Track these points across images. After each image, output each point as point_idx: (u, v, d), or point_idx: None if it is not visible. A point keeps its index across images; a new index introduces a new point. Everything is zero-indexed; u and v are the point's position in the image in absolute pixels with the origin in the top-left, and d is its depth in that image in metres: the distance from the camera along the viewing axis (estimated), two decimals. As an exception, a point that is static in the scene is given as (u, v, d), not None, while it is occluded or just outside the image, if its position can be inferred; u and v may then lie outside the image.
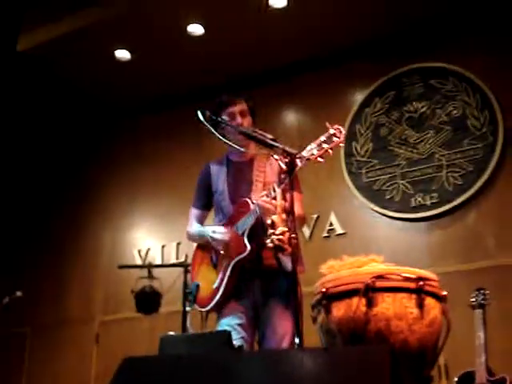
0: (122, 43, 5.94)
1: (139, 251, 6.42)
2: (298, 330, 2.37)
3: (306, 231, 5.62)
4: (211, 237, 3.15)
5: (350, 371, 1.84)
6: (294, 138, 5.81)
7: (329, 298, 2.48)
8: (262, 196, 2.97)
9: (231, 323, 3.00)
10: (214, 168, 3.34)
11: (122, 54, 6.05)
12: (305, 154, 2.73)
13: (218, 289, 3.07)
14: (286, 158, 2.64)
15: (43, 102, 6.72)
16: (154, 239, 6.41)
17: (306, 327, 2.47)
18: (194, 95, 6.31)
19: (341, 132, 2.71)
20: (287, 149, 2.66)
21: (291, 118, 6.20)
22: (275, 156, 2.69)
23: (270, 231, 2.68)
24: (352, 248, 4.88)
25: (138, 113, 6.91)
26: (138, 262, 6.27)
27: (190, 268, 3.42)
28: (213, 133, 3.04)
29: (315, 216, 5.64)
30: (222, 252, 3.11)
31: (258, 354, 2.33)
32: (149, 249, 6.37)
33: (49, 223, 7.02)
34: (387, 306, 2.37)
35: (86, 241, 6.75)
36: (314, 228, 5.64)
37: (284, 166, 2.62)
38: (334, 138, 2.69)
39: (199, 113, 2.97)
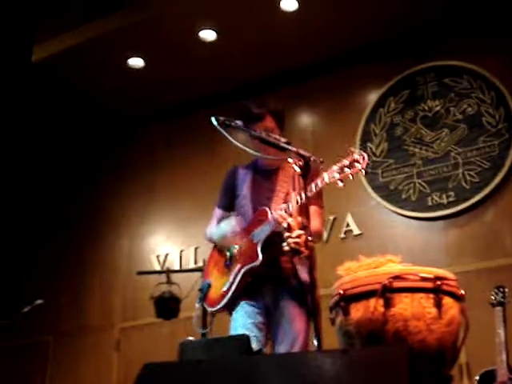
0: (134, 51, 5.98)
1: (157, 257, 6.45)
2: (316, 333, 2.38)
3: (324, 233, 5.62)
4: (225, 232, 3.21)
5: (368, 372, 1.84)
6: (308, 141, 5.83)
7: (347, 300, 2.48)
8: (281, 209, 2.98)
9: (245, 322, 3.02)
10: (240, 171, 3.35)
11: (135, 62, 6.09)
12: (326, 175, 2.74)
13: (226, 292, 3.10)
14: (300, 161, 2.65)
15: (57, 112, 6.79)
16: (171, 244, 6.44)
17: (325, 329, 2.49)
18: (206, 101, 6.34)
19: (364, 159, 2.70)
20: (301, 152, 2.67)
21: (305, 121, 6.20)
22: (289, 159, 2.70)
23: (286, 234, 2.69)
24: (369, 249, 4.87)
25: (151, 120, 6.95)
26: (157, 267, 6.30)
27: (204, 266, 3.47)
28: (227, 138, 3.05)
29: (332, 218, 5.64)
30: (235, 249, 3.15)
31: (277, 357, 2.34)
32: (167, 254, 6.40)
33: (67, 232, 7.08)
34: (405, 306, 2.36)
35: (105, 248, 6.79)
36: (332, 229, 5.64)
37: (298, 170, 2.63)
38: (356, 164, 2.69)
39: (213, 118, 2.99)
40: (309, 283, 2.91)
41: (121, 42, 5.82)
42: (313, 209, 3.07)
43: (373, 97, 5.84)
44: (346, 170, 2.71)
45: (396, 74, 5.75)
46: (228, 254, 3.19)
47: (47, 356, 6.62)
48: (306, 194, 2.71)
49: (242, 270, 3.06)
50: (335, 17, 5.56)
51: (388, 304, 2.37)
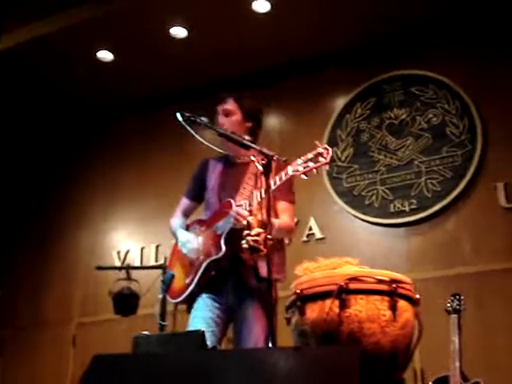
0: (104, 44, 5.93)
1: (118, 253, 6.40)
2: (271, 331, 2.38)
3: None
4: (180, 248, 3.20)
5: (320, 371, 1.85)
6: (275, 142, 5.83)
7: (303, 300, 2.48)
8: (240, 206, 2.99)
9: (204, 316, 3.03)
10: (211, 163, 3.37)
11: (105, 55, 6.04)
12: (290, 168, 2.75)
13: (189, 284, 3.10)
14: (263, 159, 2.66)
15: (24, 102, 6.68)
16: (133, 241, 6.40)
17: (281, 329, 2.49)
18: (176, 97, 6.32)
19: (328, 153, 2.71)
20: (264, 150, 2.68)
21: (273, 122, 6.22)
22: (252, 157, 2.71)
23: (246, 232, 2.69)
24: (331, 253, 4.82)
25: (119, 114, 6.90)
26: (117, 263, 6.25)
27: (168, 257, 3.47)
28: (192, 134, 3.04)
29: (295, 220, 5.63)
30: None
31: (231, 353, 2.33)
32: (128, 251, 6.36)
33: (27, 224, 6.99)
34: (360, 308, 2.38)
35: (65, 242, 6.72)
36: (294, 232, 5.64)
37: (261, 168, 2.63)
38: (321, 158, 2.70)
39: (178, 114, 2.98)
40: (271, 280, 2.94)
41: (90, 35, 5.77)
42: (282, 204, 3.10)
43: (340, 102, 5.88)
44: (310, 163, 2.71)
45: (364, 81, 5.79)
46: (184, 250, 3.20)
47: (2, 351, 6.51)
48: (267, 192, 2.71)
49: (205, 263, 3.06)
50: (306, 20, 5.59)
51: (343, 305, 2.38)
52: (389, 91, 5.67)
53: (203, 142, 3.12)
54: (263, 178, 2.69)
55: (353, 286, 2.41)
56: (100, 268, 5.18)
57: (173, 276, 3.22)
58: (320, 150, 2.72)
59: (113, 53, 6.02)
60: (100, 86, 6.51)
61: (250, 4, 5.41)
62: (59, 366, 6.14)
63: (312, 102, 5.98)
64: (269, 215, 2.58)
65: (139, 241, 6.33)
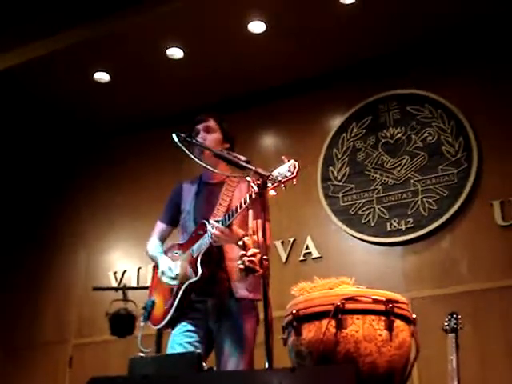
0: (101, 65, 5.95)
1: (115, 273, 6.38)
2: (268, 353, 2.38)
3: (283, 255, 5.64)
4: (160, 277, 3.19)
5: (316, 392, 1.84)
6: (271, 162, 5.75)
7: (299, 320, 2.48)
8: (217, 221, 3.00)
9: (181, 341, 3.02)
10: (185, 187, 3.39)
11: (101, 76, 6.06)
12: (255, 187, 2.73)
13: (168, 309, 3.10)
14: (258, 180, 2.66)
15: (20, 122, 6.69)
16: (129, 261, 6.38)
17: (277, 350, 2.48)
18: (172, 118, 6.33)
19: (295, 167, 2.67)
20: (260, 171, 2.69)
21: (269, 142, 6.24)
22: (247, 178, 2.71)
23: (241, 252, 2.69)
24: (328, 272, 4.85)
25: (116, 135, 6.91)
26: (113, 284, 6.23)
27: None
28: (187, 155, 3.07)
29: (292, 239, 5.66)
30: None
31: (227, 375, 2.32)
32: (125, 271, 6.34)
33: (23, 245, 6.96)
34: (356, 328, 2.38)
35: (61, 263, 6.70)
36: (291, 251, 5.65)
37: (256, 188, 2.64)
38: (288, 173, 2.67)
39: (174, 135, 3.00)
40: (249, 300, 2.95)
41: (87, 56, 5.78)
42: (257, 222, 3.10)
43: (336, 121, 5.90)
44: (278, 178, 2.68)
45: (360, 101, 5.82)
46: (164, 279, 3.20)
47: (-2, 371, 6.48)
48: (243, 206, 2.73)
49: (183, 287, 3.06)
50: (302, 41, 5.63)
51: (340, 325, 2.38)
52: (384, 110, 5.70)
53: (199, 162, 3.15)
54: (256, 198, 2.70)
55: (349, 305, 2.41)
56: (96, 288, 5.18)
57: (153, 302, 3.22)
58: (287, 166, 2.69)
59: (109, 74, 6.04)
60: (97, 107, 6.53)
61: (246, 25, 5.44)
62: (55, 387, 6.10)
63: (308, 122, 6.01)
64: (264, 234, 2.58)
65: (136, 261, 6.31)
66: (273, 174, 2.68)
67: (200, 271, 2.99)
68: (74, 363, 6.14)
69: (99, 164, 6.97)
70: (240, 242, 2.82)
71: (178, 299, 3.08)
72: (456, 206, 5.15)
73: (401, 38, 5.59)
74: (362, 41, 5.62)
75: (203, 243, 3.04)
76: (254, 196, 2.78)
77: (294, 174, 2.67)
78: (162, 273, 3.18)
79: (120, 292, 4.78)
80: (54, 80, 6.11)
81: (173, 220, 3.39)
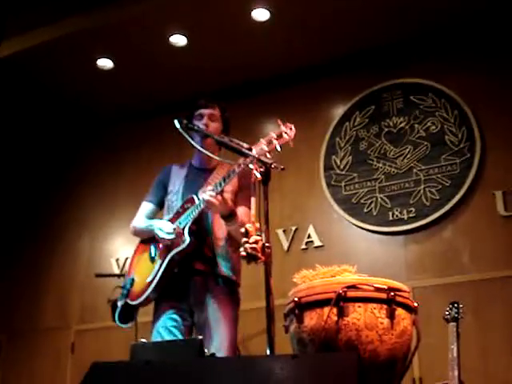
0: (104, 52, 5.94)
1: (117, 260, 6.40)
2: (269, 341, 2.38)
3: (285, 243, 5.65)
4: (157, 234, 3.20)
5: (317, 378, 1.85)
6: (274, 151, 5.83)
7: (301, 308, 2.49)
8: (210, 190, 3.02)
9: (166, 325, 3.04)
10: (174, 169, 3.43)
11: (105, 63, 6.05)
12: (254, 150, 2.79)
13: (151, 282, 3.11)
14: (261, 167, 2.66)
15: (24, 109, 6.70)
16: (132, 248, 6.36)
17: (280, 338, 2.49)
18: (175, 105, 6.31)
19: (291, 129, 2.76)
20: (262, 158, 2.68)
21: (271, 130, 6.19)
22: (250, 165, 2.71)
23: (244, 239, 2.69)
24: (329, 260, 4.82)
25: (118, 122, 6.91)
26: (116, 271, 6.25)
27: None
28: (189, 141, 3.07)
29: (294, 228, 5.67)
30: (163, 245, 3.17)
31: (229, 361, 2.34)
32: (127, 258, 6.34)
33: (26, 231, 6.98)
34: (358, 315, 2.38)
35: (64, 249, 6.71)
36: (293, 240, 5.66)
37: (259, 176, 2.63)
38: (284, 135, 2.72)
39: (176, 121, 3.01)
40: (231, 280, 3.06)
41: (91, 42, 5.78)
42: (242, 209, 3.12)
43: (339, 110, 5.89)
44: (275, 142, 2.71)
45: (363, 89, 5.81)
46: (152, 247, 3.20)
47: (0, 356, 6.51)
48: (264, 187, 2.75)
49: (169, 255, 3.07)
50: (306, 29, 5.61)
51: (341, 313, 2.39)
52: (388, 99, 5.69)
53: (200, 149, 3.17)
54: (260, 186, 2.70)
55: (351, 293, 2.41)
56: (99, 275, 5.19)
57: (133, 280, 3.23)
58: (283, 128, 2.72)
59: (113, 60, 6.03)
60: (100, 94, 6.53)
61: (250, 12, 5.42)
62: (57, 373, 6.13)
63: (311, 111, 6.00)
64: (267, 222, 2.58)
65: (138, 248, 6.32)
66: (271, 135, 2.78)
67: (187, 239, 3.00)
68: (75, 349, 6.17)
69: (102, 151, 6.97)
70: (242, 230, 2.81)
71: (162, 269, 3.08)
72: (458, 196, 5.15)
73: (405, 28, 5.57)
74: (367, 30, 5.60)
75: (191, 213, 3.07)
76: (237, 169, 2.89)
77: (291, 136, 2.78)
78: (160, 229, 3.18)
79: (122, 279, 4.79)
80: (57, 67, 6.11)
81: (160, 201, 3.42)
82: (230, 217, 3.07)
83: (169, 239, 3.12)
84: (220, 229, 3.14)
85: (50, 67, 6.12)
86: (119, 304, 3.23)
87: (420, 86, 5.57)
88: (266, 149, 2.75)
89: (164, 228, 3.17)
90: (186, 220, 3.09)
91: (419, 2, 5.29)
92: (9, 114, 6.70)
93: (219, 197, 3.00)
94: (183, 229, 3.07)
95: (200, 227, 3.11)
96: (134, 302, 3.20)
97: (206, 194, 3.01)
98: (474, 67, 5.44)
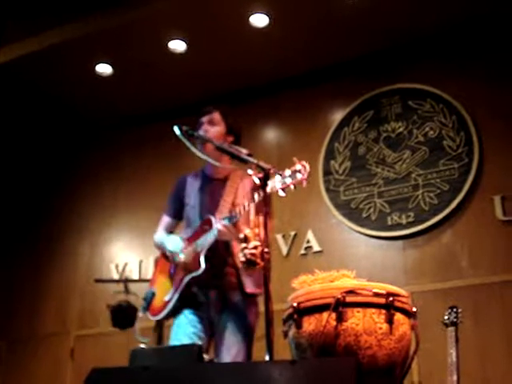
0: (103, 58, 5.95)
1: (116, 266, 6.40)
2: (268, 346, 2.39)
3: (284, 248, 5.66)
4: (167, 252, 3.21)
5: (315, 383, 1.86)
6: (273, 156, 5.86)
7: (300, 313, 2.49)
8: (223, 219, 3.01)
9: (187, 331, 3.03)
10: (189, 180, 3.39)
11: (104, 69, 6.06)
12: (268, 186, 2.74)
13: (169, 301, 3.11)
14: (260, 173, 2.67)
15: (23, 115, 6.71)
16: (131, 254, 6.40)
17: (279, 344, 2.50)
18: (174, 111, 6.34)
19: (306, 169, 2.69)
20: (261, 164, 2.69)
21: (271, 135, 6.25)
22: (249, 171, 2.72)
23: (243, 245, 2.70)
24: (329, 265, 4.84)
25: (118, 128, 6.92)
26: (115, 276, 6.25)
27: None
28: (189, 147, 3.07)
29: (293, 233, 5.68)
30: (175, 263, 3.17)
31: (226, 366, 2.34)
32: (126, 263, 6.36)
33: (25, 236, 6.99)
34: (357, 321, 2.39)
35: (63, 254, 6.72)
36: (292, 245, 5.67)
37: (258, 181, 2.64)
38: (298, 175, 2.68)
39: (176, 128, 3.01)
40: (255, 295, 2.96)
41: (90, 48, 5.79)
42: (259, 216, 3.11)
43: (338, 115, 5.90)
44: (288, 179, 2.71)
45: (361, 94, 5.83)
46: (175, 260, 3.20)
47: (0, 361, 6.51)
48: (250, 204, 2.74)
49: (185, 279, 3.07)
50: (305, 35, 5.63)
51: (340, 318, 2.39)
52: (386, 105, 5.70)
53: (200, 155, 3.16)
54: (259, 191, 2.71)
55: (350, 299, 2.42)
56: (98, 281, 5.19)
57: (153, 294, 3.23)
58: (298, 166, 2.70)
59: (112, 66, 6.05)
60: (99, 100, 6.54)
61: (248, 18, 5.44)
62: (57, 379, 6.13)
63: (310, 116, 6.02)
64: (265, 228, 2.58)
65: (137, 254, 6.34)
66: (285, 173, 2.70)
67: (203, 266, 3.00)
68: (75, 355, 6.17)
69: (101, 156, 6.98)
70: (241, 235, 2.82)
71: (179, 292, 3.09)
72: (457, 201, 5.16)
73: (403, 33, 5.59)
74: (364, 35, 5.62)
75: (208, 238, 3.05)
76: (257, 197, 2.80)
77: (305, 176, 2.69)
78: (169, 250, 3.19)
79: (121, 284, 4.80)
80: (56, 72, 6.12)
81: (178, 213, 3.39)
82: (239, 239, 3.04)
83: (186, 260, 3.13)
84: (239, 246, 3.11)
85: (48, 73, 6.13)
86: (140, 315, 3.24)
87: (418, 92, 5.59)
88: (279, 186, 2.70)
89: (171, 247, 3.19)
90: (203, 245, 3.07)
91: (417, 7, 5.30)
92: (8, 119, 6.71)
93: (231, 227, 2.99)
94: (199, 253, 3.06)
95: (217, 249, 3.08)
96: (153, 318, 3.23)
97: (220, 224, 3.00)
98: (472, 72, 5.46)
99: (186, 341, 3.01)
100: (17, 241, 7.01)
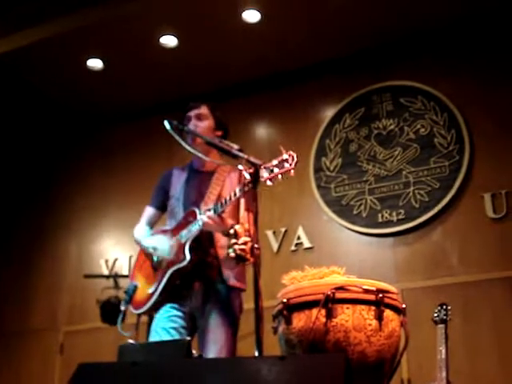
0: (94, 53, 5.92)
1: (106, 261, 6.38)
2: (258, 342, 2.38)
3: (274, 245, 5.65)
4: (151, 253, 3.19)
5: (305, 379, 1.85)
6: (264, 152, 5.83)
7: (289, 309, 2.49)
8: (209, 210, 2.99)
9: (166, 326, 3.02)
10: (175, 173, 3.38)
11: (95, 64, 6.03)
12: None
13: (152, 294, 3.09)
14: (250, 168, 2.66)
15: (13, 109, 6.66)
16: (121, 249, 6.37)
17: (268, 340, 2.49)
18: (165, 106, 6.32)
19: (293, 159, 2.69)
20: (252, 159, 2.68)
21: (262, 131, 6.24)
22: (239, 166, 2.71)
23: (233, 241, 2.69)
24: (319, 262, 4.82)
25: (108, 123, 6.89)
26: (105, 272, 6.23)
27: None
28: (180, 142, 3.06)
29: (283, 230, 5.67)
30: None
31: (217, 361, 2.33)
32: (116, 259, 6.34)
33: (15, 232, 6.95)
34: (346, 317, 2.39)
35: (53, 250, 6.68)
36: (282, 242, 5.66)
37: (248, 177, 2.63)
38: (286, 164, 2.68)
39: (166, 122, 2.99)
40: (238, 289, 2.97)
41: (81, 43, 5.76)
42: (248, 212, 3.10)
43: (329, 112, 5.90)
44: (275, 169, 2.69)
45: (353, 92, 5.82)
46: (155, 258, 3.18)
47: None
48: (236, 195, 2.73)
49: (169, 271, 3.05)
50: (296, 30, 5.62)
51: (330, 314, 2.39)
52: (378, 102, 5.70)
53: (190, 150, 3.15)
54: (250, 185, 2.70)
55: (339, 295, 2.42)
56: (87, 276, 5.17)
57: (135, 287, 3.20)
58: (285, 156, 2.70)
59: (103, 61, 6.02)
60: (90, 95, 6.51)
61: (240, 14, 5.42)
62: (46, 374, 6.11)
63: (301, 112, 6.01)
64: (256, 222, 2.58)
65: (127, 249, 6.29)
66: (272, 163, 2.69)
67: (188, 257, 2.98)
68: (64, 350, 6.14)
69: (91, 151, 6.94)
70: (231, 231, 2.81)
71: (163, 284, 3.06)
72: (447, 198, 5.17)
73: (394, 30, 5.59)
74: (356, 32, 5.62)
75: (192, 229, 3.03)
76: (246, 188, 2.78)
77: (293, 166, 2.69)
78: (154, 248, 3.17)
79: (111, 280, 4.78)
80: (46, 67, 6.09)
81: (161, 205, 3.38)
82: (229, 234, 3.03)
83: (166, 258, 3.11)
84: (223, 238, 3.10)
85: (39, 68, 6.10)
86: (122, 308, 3.21)
87: (409, 89, 5.59)
88: (266, 176, 2.70)
89: (158, 247, 3.16)
90: (187, 236, 3.05)
91: (408, 5, 5.31)
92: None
93: (217, 218, 2.97)
94: (184, 244, 3.05)
95: (201, 240, 3.07)
96: (135, 311, 3.19)
97: (205, 215, 2.98)
98: (463, 70, 5.47)
99: (165, 336, 2.99)
100: (6, 237, 6.97)
